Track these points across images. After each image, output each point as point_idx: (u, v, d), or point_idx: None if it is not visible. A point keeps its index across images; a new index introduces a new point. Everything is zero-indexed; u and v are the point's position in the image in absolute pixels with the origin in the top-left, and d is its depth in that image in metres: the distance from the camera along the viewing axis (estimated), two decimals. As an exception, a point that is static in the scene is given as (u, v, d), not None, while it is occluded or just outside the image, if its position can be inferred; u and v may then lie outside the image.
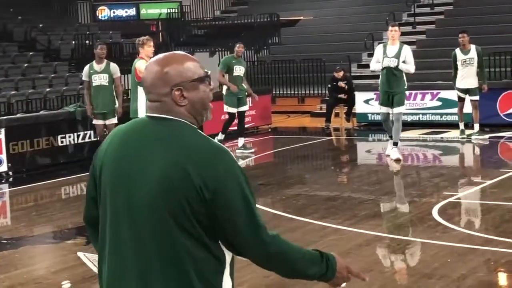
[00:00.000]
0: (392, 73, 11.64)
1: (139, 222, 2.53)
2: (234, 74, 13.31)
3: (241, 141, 13.63)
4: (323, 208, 9.08)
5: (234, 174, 2.52)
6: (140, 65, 10.47)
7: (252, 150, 13.85)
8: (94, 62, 12.23)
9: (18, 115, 14.33)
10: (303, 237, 7.76)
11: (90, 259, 4.63)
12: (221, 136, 13.51)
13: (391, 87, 11.69)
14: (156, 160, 2.51)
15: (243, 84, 13.54)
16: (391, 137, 12.11)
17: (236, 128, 13.98)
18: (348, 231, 7.87)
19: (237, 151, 13.41)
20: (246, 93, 13.66)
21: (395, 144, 11.94)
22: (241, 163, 12.86)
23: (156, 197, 2.49)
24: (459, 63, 13.99)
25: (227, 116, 16.48)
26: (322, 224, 8.22)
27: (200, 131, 2.60)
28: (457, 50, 14.09)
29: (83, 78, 12.57)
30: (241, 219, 2.51)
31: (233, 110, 13.48)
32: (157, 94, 2.59)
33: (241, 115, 13.65)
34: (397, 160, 11.82)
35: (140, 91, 10.36)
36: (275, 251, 2.58)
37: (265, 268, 2.63)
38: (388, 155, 12.15)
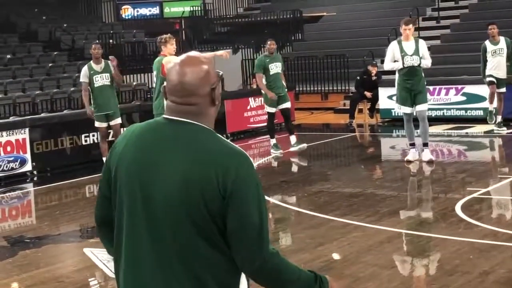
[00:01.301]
0: (415, 71, 11.15)
1: (157, 224, 2.52)
2: (271, 73, 12.69)
3: (293, 138, 12.93)
4: (345, 205, 9.05)
5: (252, 181, 2.53)
6: (165, 61, 10.33)
7: (305, 145, 13.11)
8: (91, 62, 11.86)
9: (43, 115, 14.44)
10: (325, 234, 7.74)
11: (97, 256, 4.64)
12: (273, 141, 13.00)
13: (414, 85, 11.17)
14: (176, 163, 2.51)
15: (282, 81, 12.94)
16: (412, 144, 11.50)
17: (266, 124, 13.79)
18: (370, 228, 7.83)
19: (291, 149, 12.91)
20: (286, 90, 13.03)
21: (425, 144, 11.41)
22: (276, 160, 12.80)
23: (175, 200, 2.49)
24: (489, 54, 13.87)
25: (250, 114, 16.53)
26: (344, 221, 8.18)
27: (219, 135, 2.60)
28: (487, 42, 13.99)
29: (82, 80, 11.95)
30: (251, 227, 2.50)
31: (272, 110, 12.86)
32: (198, 95, 2.58)
33: (285, 112, 12.97)
34: (430, 162, 11.31)
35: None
36: (272, 267, 2.56)
37: (258, 283, 2.61)
38: (410, 161, 11.44)
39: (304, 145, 13.05)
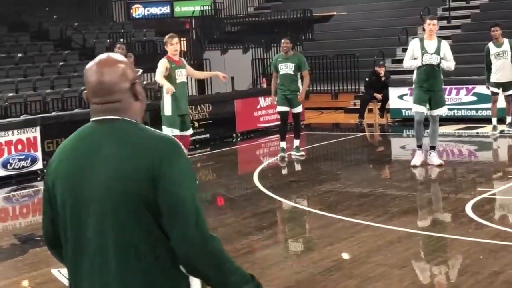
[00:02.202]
0: (433, 70, 10.73)
1: (100, 229, 2.51)
2: (281, 73, 12.26)
3: (296, 142, 12.64)
4: (355, 205, 9.04)
5: (180, 162, 2.52)
6: (159, 64, 10.21)
7: (303, 153, 12.72)
8: None
9: (54, 113, 14.49)
10: (334, 234, 7.73)
11: (65, 276, 4.50)
12: (283, 144, 12.53)
13: (432, 85, 10.77)
14: (106, 161, 2.51)
15: (298, 84, 12.29)
16: (419, 146, 11.18)
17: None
18: (380, 228, 7.82)
19: (291, 153, 12.63)
20: (298, 93, 12.28)
21: (433, 148, 11.17)
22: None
23: (112, 199, 2.48)
24: (492, 57, 13.79)
25: (260, 113, 16.53)
26: (353, 221, 8.18)
27: (145, 126, 2.62)
28: (490, 44, 13.91)
29: None
30: (185, 209, 2.48)
31: (282, 108, 12.38)
32: (118, 92, 2.60)
33: (296, 116, 12.50)
34: (440, 166, 11.07)
35: (165, 88, 10.22)
36: (213, 251, 2.49)
37: (197, 273, 2.52)
38: (416, 166, 11.10)
39: (303, 153, 12.72)
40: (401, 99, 16.96)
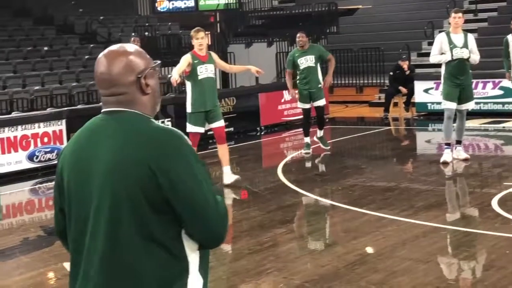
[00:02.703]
0: (463, 65, 10.57)
1: (99, 222, 2.48)
2: (302, 68, 12.00)
3: (320, 132, 12.49)
4: (380, 199, 9.00)
5: (188, 158, 2.48)
6: (181, 58, 9.87)
7: (328, 147, 12.56)
8: None
9: (79, 106, 14.58)
10: (359, 228, 7.71)
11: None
12: (307, 140, 12.41)
13: (463, 80, 10.60)
14: (109, 152, 2.48)
15: (319, 76, 12.09)
16: (447, 144, 10.94)
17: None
18: (405, 222, 7.78)
19: (314, 138, 12.53)
20: (321, 85, 12.12)
21: (459, 142, 11.05)
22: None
23: (114, 193, 2.45)
24: (511, 49, 13.63)
25: (284, 107, 16.52)
26: (378, 215, 8.14)
27: (153, 120, 2.58)
28: (509, 36, 13.74)
29: None
30: (196, 204, 2.46)
31: (304, 106, 12.22)
32: (122, 85, 2.55)
33: (318, 110, 12.29)
34: (466, 160, 10.99)
35: (187, 84, 9.95)
36: (226, 223, 2.57)
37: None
38: (446, 162, 10.83)
39: (329, 146, 12.56)
40: (426, 92, 16.84)
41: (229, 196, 9.69)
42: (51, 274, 6.83)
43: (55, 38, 20.53)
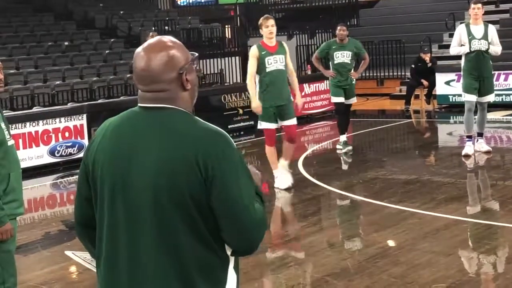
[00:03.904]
0: (482, 56, 10.45)
1: (139, 218, 2.45)
2: (336, 62, 11.45)
3: (342, 137, 11.84)
4: (401, 192, 8.95)
5: (234, 160, 2.45)
6: (249, 55, 9.17)
7: (350, 148, 11.88)
8: None
9: (100, 101, 14.63)
10: (380, 221, 7.67)
11: (80, 257, 4.30)
12: (342, 138, 11.81)
13: (482, 72, 10.48)
14: (153, 150, 2.44)
15: (351, 74, 11.56)
16: (469, 137, 10.77)
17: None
18: (426, 215, 7.73)
19: (337, 146, 11.93)
20: (354, 83, 11.73)
21: (481, 135, 10.92)
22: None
23: (158, 190, 2.42)
24: None
25: (304, 100, 16.38)
26: (399, 208, 8.09)
27: (196, 117, 2.52)
28: None
29: None
30: (238, 209, 2.44)
31: (338, 99, 11.62)
32: (163, 81, 2.49)
33: (347, 108, 11.81)
34: (488, 152, 10.84)
35: (256, 77, 9.08)
36: (263, 231, 2.54)
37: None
38: (468, 155, 10.68)
39: (350, 147, 11.93)
40: (448, 85, 16.72)
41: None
42: (72, 268, 6.85)
43: (76, 33, 20.62)
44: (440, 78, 16.86)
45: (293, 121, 9.19)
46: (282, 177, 9.27)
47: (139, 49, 2.54)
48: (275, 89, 8.99)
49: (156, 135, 2.46)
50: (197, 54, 2.62)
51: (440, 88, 16.91)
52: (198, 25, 23.07)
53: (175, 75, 2.50)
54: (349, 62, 11.51)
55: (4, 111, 13.70)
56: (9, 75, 16.37)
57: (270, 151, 9.37)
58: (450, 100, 16.64)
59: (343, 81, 11.53)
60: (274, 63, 9.02)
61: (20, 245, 7.31)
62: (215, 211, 2.43)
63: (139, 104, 2.55)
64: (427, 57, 17.14)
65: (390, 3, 24.18)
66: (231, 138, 2.50)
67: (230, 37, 24.85)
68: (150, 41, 2.54)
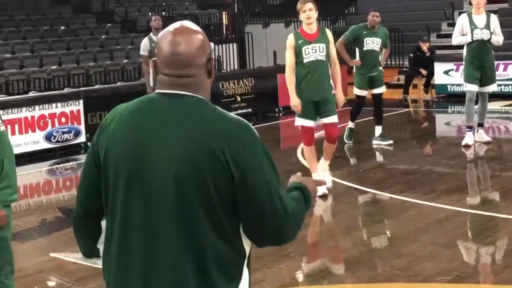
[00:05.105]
0: (484, 46, 10.36)
1: (159, 211, 2.37)
2: (365, 49, 10.73)
3: (378, 129, 11.34)
4: (401, 182, 8.87)
5: (256, 150, 2.39)
6: (287, 44, 8.15)
7: (391, 142, 11.32)
8: (151, 35, 11.40)
9: (96, 86, 14.50)
10: (381, 211, 7.62)
11: (67, 258, 4.12)
12: (351, 124, 11.43)
13: (483, 62, 10.39)
14: (175, 140, 2.36)
15: (380, 62, 10.97)
16: (469, 127, 10.64)
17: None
18: (427, 206, 7.66)
19: (374, 141, 11.39)
20: (383, 71, 11.16)
21: (481, 125, 10.83)
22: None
23: (180, 180, 2.34)
24: None
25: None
26: (400, 198, 8.02)
27: (218, 107, 2.46)
28: None
29: (142, 53, 11.52)
30: (264, 201, 2.38)
31: (362, 93, 11.08)
32: (195, 66, 2.43)
33: (377, 98, 11.22)
34: (488, 143, 10.78)
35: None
36: (292, 225, 2.48)
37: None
38: (468, 145, 10.54)
39: (390, 142, 11.31)
40: (446, 74, 16.63)
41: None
42: (70, 256, 6.76)
43: (72, 17, 20.45)
44: (439, 68, 16.76)
45: (333, 119, 8.12)
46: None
47: (165, 33, 2.46)
48: (313, 82, 7.98)
49: (179, 123, 2.38)
50: (212, 44, 2.56)
51: (439, 78, 16.82)
52: (195, 11, 22.92)
53: (205, 60, 2.46)
54: (378, 50, 10.86)
55: (-1, 96, 13.45)
56: (5, 59, 16.25)
57: (307, 151, 8.31)
58: (449, 89, 16.55)
59: (371, 69, 10.84)
60: (312, 53, 7.99)
61: (17, 232, 7.22)
62: (239, 204, 2.37)
63: (158, 91, 2.47)
64: (425, 46, 17.04)
65: (389, -9, 24.04)
66: (254, 129, 2.44)
67: (227, 23, 24.72)
68: (175, 25, 2.48)
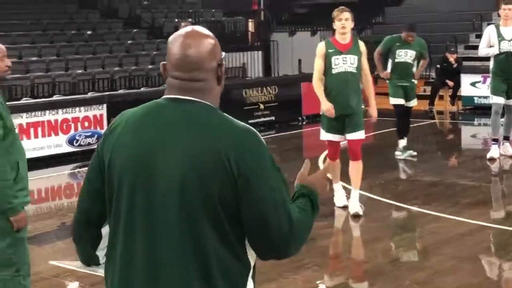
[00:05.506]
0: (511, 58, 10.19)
1: (164, 217, 2.32)
2: (397, 61, 10.58)
3: (402, 142, 11.00)
4: (424, 194, 8.75)
5: (266, 160, 2.34)
6: (316, 51, 7.77)
7: (414, 153, 11.06)
8: None
9: (121, 91, 14.53)
10: (402, 224, 7.52)
11: (68, 266, 4.06)
12: (402, 143, 10.98)
13: (510, 74, 10.17)
14: (182, 146, 2.31)
15: (412, 73, 10.71)
16: (495, 140, 10.48)
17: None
18: (449, 219, 7.53)
19: (396, 153, 11.03)
20: (416, 84, 10.95)
21: (507, 138, 10.67)
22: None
23: (185, 187, 2.29)
24: None
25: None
26: (422, 211, 7.90)
27: (226, 115, 2.41)
28: None
29: None
30: (269, 213, 2.31)
31: (398, 101, 10.71)
32: (205, 70, 2.39)
33: (407, 111, 10.90)
34: None
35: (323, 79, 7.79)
36: (297, 238, 2.40)
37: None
38: (493, 158, 10.36)
39: (414, 154, 11.02)
40: (473, 86, 16.45)
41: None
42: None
43: (99, 22, 20.54)
44: (466, 79, 16.59)
45: (357, 135, 7.73)
46: (341, 194, 8.17)
47: (176, 36, 2.44)
48: (340, 95, 7.60)
49: (185, 129, 2.34)
50: (224, 53, 2.52)
51: (465, 90, 16.64)
52: (221, 18, 22.93)
53: (215, 65, 2.42)
54: (411, 63, 10.65)
55: (24, 99, 13.58)
56: (31, 62, 16.34)
57: (331, 165, 7.91)
58: (475, 101, 16.37)
59: (403, 80, 10.63)
60: (342, 64, 7.60)
61: (36, 235, 7.21)
62: (243, 212, 2.32)
63: (166, 96, 2.43)
64: (452, 58, 16.88)
65: (418, 1, 23.90)
66: (262, 138, 2.38)
67: (253, 31, 24.70)
68: (186, 29, 2.45)
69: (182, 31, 2.45)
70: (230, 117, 2.41)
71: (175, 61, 2.41)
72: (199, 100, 2.39)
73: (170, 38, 2.47)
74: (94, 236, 2.55)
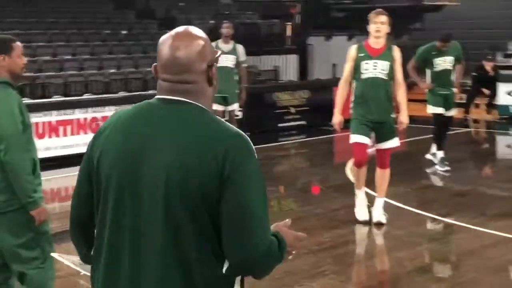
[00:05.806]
0: None
1: (148, 219, 2.28)
2: (436, 70, 10.26)
3: (439, 154, 10.67)
4: (451, 204, 8.57)
5: (252, 165, 2.28)
6: (348, 51, 7.66)
7: (448, 169, 10.52)
8: (220, 41, 11.32)
9: (150, 92, 14.50)
10: (425, 233, 7.36)
11: (68, 260, 4.03)
12: (440, 154, 10.64)
13: None
14: (170, 147, 2.27)
15: (452, 81, 10.39)
16: None
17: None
18: (474, 230, 7.33)
19: (436, 167, 10.62)
20: (455, 92, 10.55)
21: None
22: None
23: (171, 188, 2.24)
24: None
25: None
26: (446, 220, 7.72)
27: (218, 117, 2.36)
28: None
29: None
30: (248, 219, 2.24)
31: (437, 110, 10.39)
32: (194, 72, 2.35)
33: (446, 120, 10.64)
34: None
35: (353, 83, 7.61)
36: (269, 257, 2.30)
37: (247, 274, 2.34)
38: None
39: (448, 168, 10.51)
40: (510, 95, 16.15)
41: (293, 190, 9.40)
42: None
43: (135, 22, 20.62)
44: (502, 88, 16.30)
45: (388, 144, 7.53)
46: (362, 204, 7.79)
47: (166, 37, 2.40)
48: (368, 101, 7.37)
49: (174, 131, 2.30)
50: (220, 52, 2.50)
51: (502, 98, 16.35)
52: (256, 21, 22.87)
53: (205, 67, 2.38)
54: (451, 69, 10.31)
55: (55, 96, 13.63)
56: (65, 60, 16.43)
57: (356, 172, 7.82)
58: (511, 111, 16.06)
59: (443, 87, 10.27)
60: (372, 69, 7.34)
61: (55, 233, 7.18)
62: (222, 216, 2.25)
63: (158, 96, 2.39)
64: (489, 66, 16.58)
65: (457, 8, 23.59)
66: (252, 144, 2.32)
67: (289, 34, 24.59)
68: (177, 29, 2.41)
69: (173, 31, 2.41)
70: (222, 120, 2.37)
71: (163, 63, 2.37)
72: (191, 101, 2.35)
73: (161, 39, 2.42)
74: (87, 236, 2.51)
